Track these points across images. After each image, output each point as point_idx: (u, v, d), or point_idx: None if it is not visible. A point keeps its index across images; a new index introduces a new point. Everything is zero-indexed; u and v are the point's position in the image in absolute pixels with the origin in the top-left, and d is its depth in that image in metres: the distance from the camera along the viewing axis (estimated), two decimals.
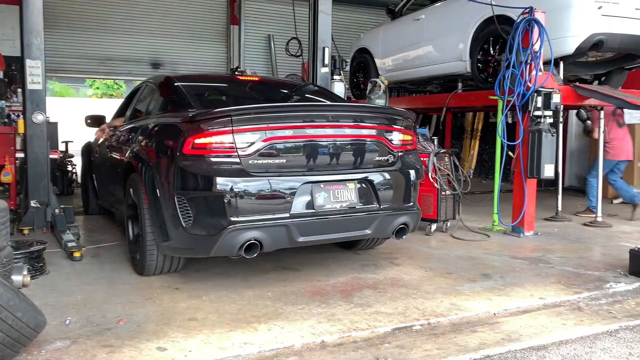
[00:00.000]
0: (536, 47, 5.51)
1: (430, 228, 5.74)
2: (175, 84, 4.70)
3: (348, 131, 3.90)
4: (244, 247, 3.52)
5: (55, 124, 8.44)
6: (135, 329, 3.13)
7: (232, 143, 3.54)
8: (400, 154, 4.14)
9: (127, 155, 4.46)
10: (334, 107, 4.06)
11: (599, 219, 6.49)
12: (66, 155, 9.26)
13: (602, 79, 7.31)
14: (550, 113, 5.49)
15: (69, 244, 4.88)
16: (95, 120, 6.20)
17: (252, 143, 3.57)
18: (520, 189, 5.75)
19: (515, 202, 5.83)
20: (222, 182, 3.47)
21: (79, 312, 3.37)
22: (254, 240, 3.53)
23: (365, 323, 3.24)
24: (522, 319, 3.41)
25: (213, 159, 3.54)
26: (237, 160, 3.55)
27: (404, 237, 4.17)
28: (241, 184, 3.50)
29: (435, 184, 5.63)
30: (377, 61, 9.05)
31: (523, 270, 4.42)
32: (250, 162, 3.57)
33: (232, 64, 12.50)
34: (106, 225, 6.26)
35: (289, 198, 3.62)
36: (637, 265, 4.21)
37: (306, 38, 9.74)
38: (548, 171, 5.48)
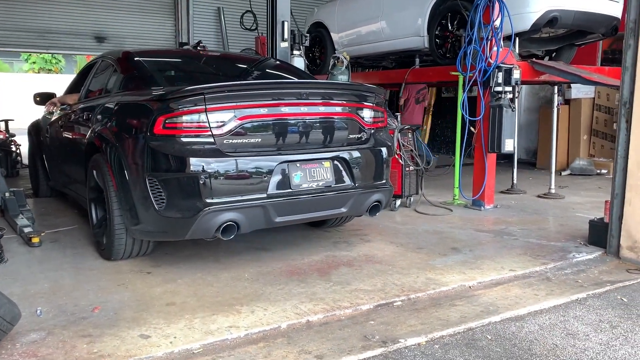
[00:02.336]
0: (497, 23, 5.59)
1: (395, 204, 5.81)
2: (136, 59, 4.49)
3: (322, 109, 3.85)
4: (221, 229, 3.45)
5: None
6: (112, 316, 3.02)
7: (206, 122, 3.42)
8: (372, 131, 4.13)
9: (87, 135, 4.25)
10: (309, 85, 3.99)
11: (552, 191, 6.74)
12: (9, 134, 8.76)
13: (553, 54, 7.54)
14: (510, 89, 5.61)
15: (25, 229, 4.64)
16: (45, 98, 5.87)
17: (226, 122, 3.47)
18: (480, 164, 5.89)
19: (475, 177, 5.97)
20: (196, 163, 3.36)
21: (48, 302, 3.23)
22: (231, 221, 3.46)
23: (348, 301, 3.25)
24: (496, 291, 3.52)
25: (186, 139, 3.42)
26: (211, 140, 3.44)
27: (377, 214, 4.19)
28: (216, 165, 3.40)
29: (400, 160, 5.67)
30: (334, 36, 8.95)
31: (489, 243, 4.55)
32: (224, 141, 3.47)
33: (181, 37, 12.09)
34: (60, 208, 5.99)
35: (265, 178, 3.55)
36: (596, 235, 4.41)
37: (260, 11, 9.56)
38: (508, 146, 5.63)
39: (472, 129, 5.86)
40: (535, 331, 2.95)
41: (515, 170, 7.11)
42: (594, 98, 9.14)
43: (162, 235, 3.71)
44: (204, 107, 3.40)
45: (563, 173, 8.65)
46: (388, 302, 3.27)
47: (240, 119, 3.50)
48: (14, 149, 8.59)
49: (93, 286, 3.50)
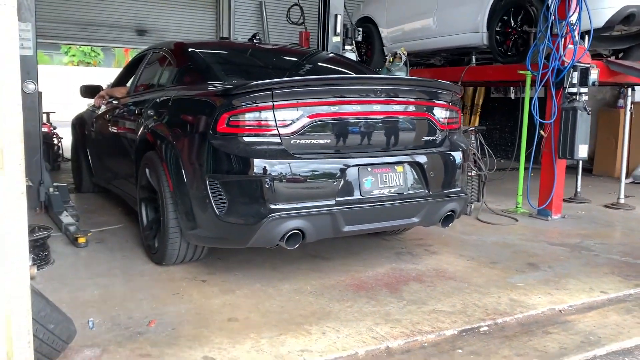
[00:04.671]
0: (573, 18, 5.15)
1: None
2: (191, 50, 4.22)
3: (395, 107, 3.51)
4: (286, 237, 3.14)
5: (40, 93, 7.80)
6: (170, 332, 2.74)
7: (273, 120, 3.12)
8: (447, 132, 3.78)
9: (140, 131, 3.98)
10: (383, 81, 3.66)
11: (621, 201, 6.27)
12: (52, 127, 8.66)
13: (620, 54, 7.04)
14: (586, 90, 5.18)
15: (71, 228, 4.42)
16: (92, 91, 5.65)
17: (295, 120, 3.16)
18: (549, 170, 5.46)
19: (542, 184, 5.55)
20: (262, 165, 3.06)
21: (100, 312, 2.97)
22: (297, 230, 3.14)
23: (428, 325, 2.91)
24: (591, 317, 3.13)
25: (251, 139, 3.12)
26: (278, 140, 3.14)
27: (449, 225, 3.83)
28: (283, 167, 3.09)
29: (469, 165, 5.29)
30: (382, 31, 8.61)
31: (569, 259, 4.15)
32: (292, 142, 3.16)
33: (222, 32, 11.90)
34: (104, 204, 5.78)
35: (334, 183, 3.23)
36: None
37: (309, 4, 9.25)
38: (582, 152, 5.19)
39: (542, 132, 5.44)
40: None
41: (579, 177, 6.65)
42: None
43: (220, 242, 3.41)
44: (271, 103, 3.10)
45: (625, 181, 8.11)
46: (473, 327, 2.91)
47: (309, 117, 3.19)
48: (55, 141, 8.47)
49: (146, 295, 3.23)
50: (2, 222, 1.41)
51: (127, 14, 11.28)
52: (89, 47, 26.28)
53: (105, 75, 15.65)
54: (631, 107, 6.56)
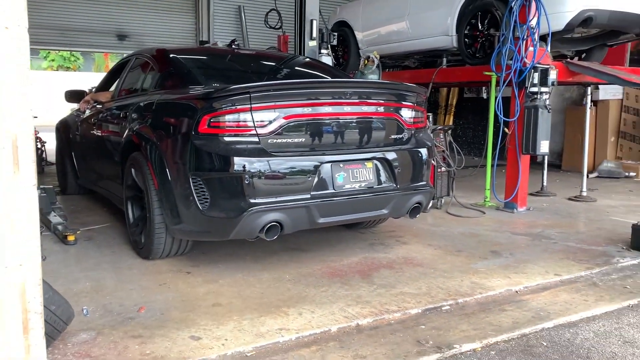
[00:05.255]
0: (533, 22, 5.50)
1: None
2: (173, 56, 4.46)
3: (365, 108, 3.80)
4: (265, 229, 3.40)
5: None
6: (159, 317, 2.99)
7: (251, 121, 3.38)
8: (412, 131, 4.07)
9: (125, 133, 4.22)
10: (353, 84, 3.93)
11: (584, 194, 6.64)
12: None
13: (583, 55, 7.43)
14: (546, 89, 5.52)
15: (59, 227, 4.63)
16: (76, 96, 5.85)
17: (271, 121, 3.43)
18: (514, 165, 5.80)
19: (508, 178, 5.89)
20: (241, 162, 3.32)
21: (93, 301, 3.20)
22: (275, 222, 3.41)
23: (395, 305, 3.19)
24: (544, 296, 3.45)
25: (231, 138, 3.38)
26: (256, 139, 3.40)
27: (417, 216, 4.14)
28: (261, 164, 3.36)
29: (432, 161, 5.60)
30: (358, 35, 8.89)
31: (529, 247, 4.47)
32: (269, 141, 3.43)
33: (201, 35, 12.10)
34: (90, 205, 5.99)
35: (309, 178, 3.50)
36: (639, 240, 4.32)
37: (284, 10, 9.53)
38: (544, 147, 5.55)
39: (506, 130, 5.78)
40: (591, 338, 2.88)
41: (545, 172, 7.01)
42: (622, 100, 9.02)
43: (204, 235, 3.67)
44: (249, 106, 3.36)
45: (590, 175, 8.52)
46: (436, 307, 3.21)
47: (285, 118, 3.46)
48: (39, 145, 8.62)
49: (135, 285, 3.47)
50: (19, 203, 1.66)
51: (107, 18, 11.41)
52: (69, 52, 26.22)
53: (85, 80, 15.71)
54: (592, 105, 6.92)
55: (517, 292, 3.50)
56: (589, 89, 6.80)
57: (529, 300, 3.36)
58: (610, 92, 8.86)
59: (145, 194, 3.85)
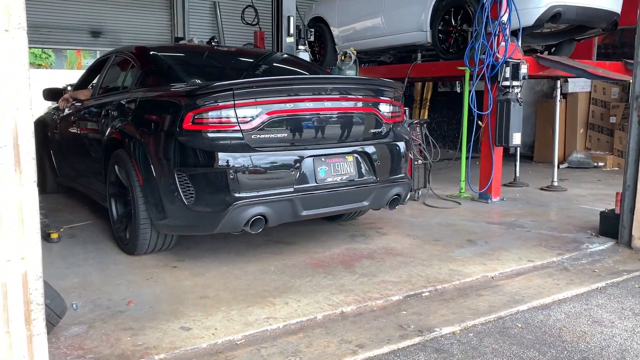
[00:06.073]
0: (504, 18, 5.67)
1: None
2: (154, 54, 4.51)
3: (345, 104, 3.91)
4: (250, 222, 3.50)
5: None
6: (148, 310, 3.07)
7: (234, 117, 3.47)
8: (391, 125, 4.20)
9: (107, 131, 4.25)
10: (334, 80, 4.05)
11: (555, 184, 6.87)
12: None
13: (552, 49, 7.67)
14: (518, 83, 5.71)
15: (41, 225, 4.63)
16: (54, 94, 5.84)
17: (254, 117, 3.52)
18: (488, 157, 5.99)
19: (482, 170, 6.07)
20: (226, 158, 3.40)
21: (82, 296, 3.25)
22: (260, 215, 3.51)
23: (377, 292, 3.32)
24: (518, 281, 3.62)
25: (215, 134, 3.46)
26: (240, 135, 3.49)
27: (396, 207, 4.27)
28: (245, 159, 3.45)
29: (410, 154, 5.74)
30: (334, 30, 8.98)
31: (503, 235, 4.65)
32: (252, 136, 3.52)
33: (176, 32, 12.05)
34: (70, 203, 5.99)
35: (292, 172, 3.60)
36: (607, 226, 4.53)
37: (260, 6, 9.57)
38: (516, 139, 5.74)
39: (479, 123, 5.95)
40: (562, 319, 3.05)
41: (518, 163, 7.23)
42: (590, 92, 9.31)
43: (190, 229, 3.75)
44: (232, 102, 3.44)
45: (561, 166, 8.80)
46: (416, 293, 3.34)
47: (267, 114, 3.55)
48: None
49: (122, 280, 3.54)
50: (21, 199, 1.73)
51: (81, 15, 11.27)
52: (40, 49, 25.72)
53: (58, 78, 15.44)
54: (562, 98, 7.15)
55: (492, 278, 3.66)
56: (559, 82, 7.02)
57: (504, 285, 3.52)
58: (579, 85, 9.14)
59: (129, 191, 3.90)
